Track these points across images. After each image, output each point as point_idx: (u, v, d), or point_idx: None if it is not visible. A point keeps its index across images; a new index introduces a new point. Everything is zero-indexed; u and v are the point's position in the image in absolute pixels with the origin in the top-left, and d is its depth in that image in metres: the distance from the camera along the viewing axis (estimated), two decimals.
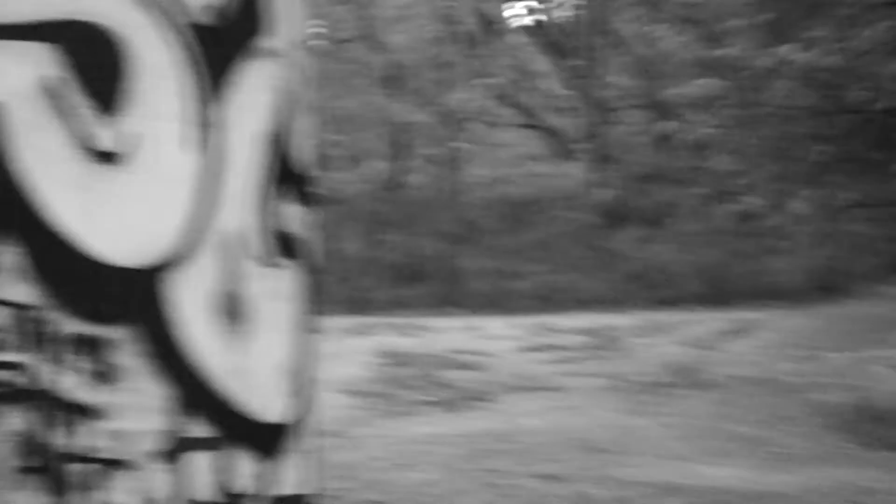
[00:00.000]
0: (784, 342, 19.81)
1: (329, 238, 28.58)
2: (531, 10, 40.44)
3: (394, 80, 33.79)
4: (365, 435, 10.92)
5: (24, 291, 3.04)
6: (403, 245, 31.12)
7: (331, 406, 12.09)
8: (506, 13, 40.89)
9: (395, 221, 31.97)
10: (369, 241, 30.97)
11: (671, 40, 28.28)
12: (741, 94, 20.99)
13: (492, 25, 38.92)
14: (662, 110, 30.47)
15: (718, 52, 21.01)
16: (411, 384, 14.39)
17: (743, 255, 29.79)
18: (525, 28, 40.88)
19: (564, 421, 12.41)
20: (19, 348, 3.04)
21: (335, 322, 20.40)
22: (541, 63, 40.95)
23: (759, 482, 9.38)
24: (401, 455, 9.86)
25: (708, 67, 21.50)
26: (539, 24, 40.35)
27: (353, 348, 17.45)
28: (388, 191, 33.98)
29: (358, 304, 26.06)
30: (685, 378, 15.57)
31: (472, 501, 8.22)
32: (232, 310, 3.43)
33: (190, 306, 3.31)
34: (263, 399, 3.53)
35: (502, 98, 38.65)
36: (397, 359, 16.66)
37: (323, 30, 32.41)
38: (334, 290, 25.97)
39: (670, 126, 25.47)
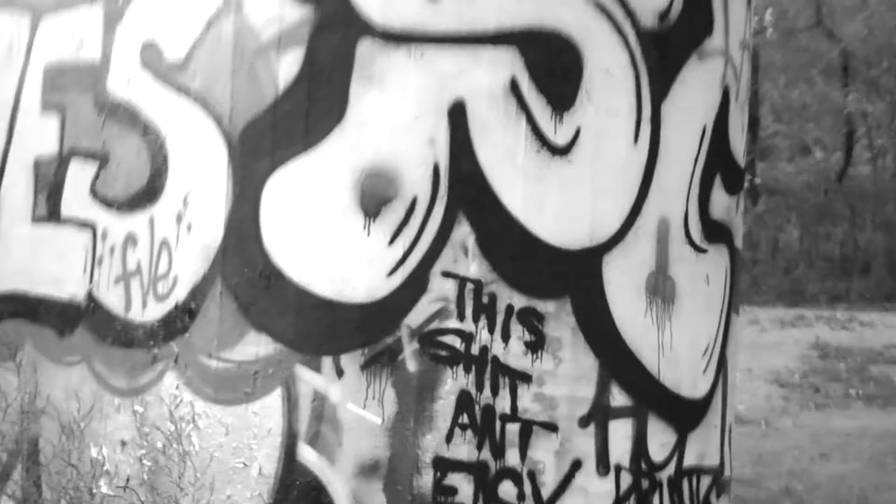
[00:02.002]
0: None
1: (770, 229, 28.03)
2: None
3: (846, 70, 32.59)
4: (789, 425, 10.80)
5: (474, 267, 3.42)
6: (846, 237, 30.07)
7: (760, 395, 12.07)
8: None
9: (839, 213, 30.93)
10: (811, 232, 30.13)
11: None
12: None
13: None
14: None
15: None
16: (842, 378, 13.96)
17: None
18: None
19: None
20: (464, 317, 3.42)
21: (773, 313, 20.07)
22: None
23: None
24: (822, 446, 9.71)
25: None
26: None
27: (789, 340, 17.13)
28: (834, 182, 32.86)
29: (796, 296, 25.47)
30: None
31: (891, 497, 8.01)
32: (661, 290, 3.67)
33: (622, 285, 3.59)
34: (683, 375, 3.76)
35: None
36: (831, 352, 16.20)
37: (772, 19, 31.73)
38: (773, 281, 25.50)
39: None
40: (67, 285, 3.90)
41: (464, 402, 3.41)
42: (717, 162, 3.87)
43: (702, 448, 3.86)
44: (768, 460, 8.93)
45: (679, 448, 3.76)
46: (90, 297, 3.83)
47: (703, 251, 3.81)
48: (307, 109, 3.44)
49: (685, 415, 3.79)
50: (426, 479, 3.40)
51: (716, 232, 3.88)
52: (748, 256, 25.14)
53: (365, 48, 3.41)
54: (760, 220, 28.41)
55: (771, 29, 32.18)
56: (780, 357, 15.04)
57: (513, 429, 3.44)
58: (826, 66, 33.33)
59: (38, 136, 4.03)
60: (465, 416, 3.41)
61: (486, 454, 3.43)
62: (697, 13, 3.77)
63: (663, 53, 3.65)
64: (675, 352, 3.71)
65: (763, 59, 30.40)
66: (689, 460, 3.80)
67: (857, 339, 18.23)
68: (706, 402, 3.89)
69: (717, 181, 3.88)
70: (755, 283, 24.79)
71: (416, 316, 3.39)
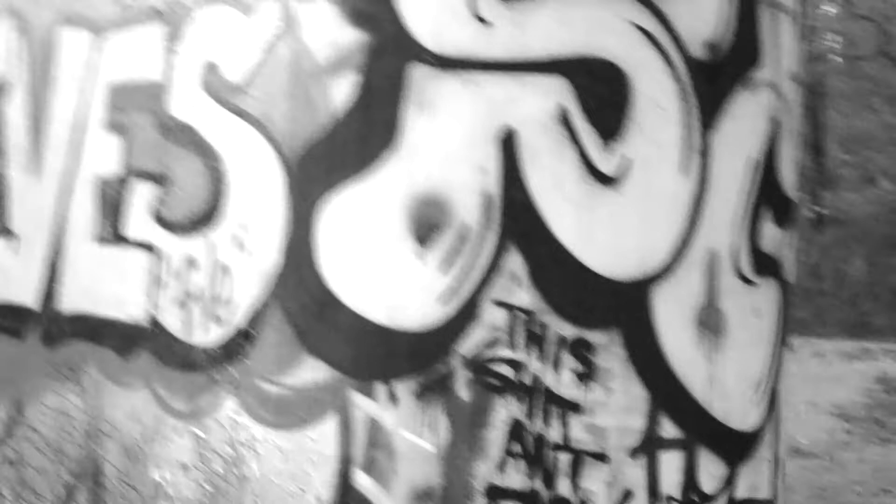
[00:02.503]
0: None
1: (832, 260, 27.71)
2: None
3: None
4: (850, 459, 10.74)
5: (526, 297, 3.45)
6: None
7: (823, 429, 11.97)
8: None
9: None
10: (877, 264, 29.70)
11: None
12: None
13: None
14: None
15: None
16: None
17: None
18: None
19: None
20: (516, 346, 3.45)
21: (838, 345, 19.85)
22: None
23: None
24: (885, 481, 9.65)
25: None
26: None
27: (854, 373, 16.97)
28: None
29: (862, 329, 25.15)
30: None
31: None
32: (710, 322, 3.68)
33: (672, 317, 3.61)
34: (733, 407, 3.77)
35: None
36: (895, 386, 16.05)
37: (838, 46, 31.41)
38: (839, 313, 25.21)
39: None
40: (129, 307, 3.96)
41: (515, 430, 3.44)
42: (767, 194, 3.88)
43: (753, 480, 3.86)
44: (830, 494, 8.90)
45: (730, 480, 3.76)
46: (151, 319, 3.88)
47: (753, 284, 3.82)
48: (362, 135, 3.48)
49: (736, 447, 3.80)
50: None
51: (766, 265, 3.89)
52: (813, 287, 24.87)
53: (418, 74, 3.46)
54: (825, 251, 28.08)
55: (837, 56, 31.86)
56: (845, 390, 14.91)
57: (564, 458, 3.47)
58: (892, 95, 32.92)
59: (103, 156, 4.09)
60: (517, 444, 3.44)
61: (537, 483, 3.45)
62: (747, 44, 3.79)
63: (712, 84, 3.68)
64: (726, 384, 3.72)
65: (829, 87, 30.10)
66: (741, 492, 3.81)
67: None
68: (757, 434, 3.89)
69: (767, 214, 3.89)
70: (820, 315, 24.48)
71: (469, 344, 3.42)
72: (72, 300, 4.23)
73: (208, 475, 3.67)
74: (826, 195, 30.10)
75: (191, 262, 3.77)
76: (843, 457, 10.83)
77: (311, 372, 3.50)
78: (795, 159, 4.14)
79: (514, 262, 3.44)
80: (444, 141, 3.44)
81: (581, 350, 3.47)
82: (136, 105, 3.98)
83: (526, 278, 3.44)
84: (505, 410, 3.43)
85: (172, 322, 3.82)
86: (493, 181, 3.43)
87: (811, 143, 29.38)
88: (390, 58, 3.48)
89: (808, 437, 10.98)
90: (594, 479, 3.49)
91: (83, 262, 4.19)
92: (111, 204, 4.07)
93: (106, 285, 4.08)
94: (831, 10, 30.28)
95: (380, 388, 3.44)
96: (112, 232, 4.07)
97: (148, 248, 3.91)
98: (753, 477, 3.86)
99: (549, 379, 3.45)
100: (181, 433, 3.77)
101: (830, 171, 31.13)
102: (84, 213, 4.18)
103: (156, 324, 3.87)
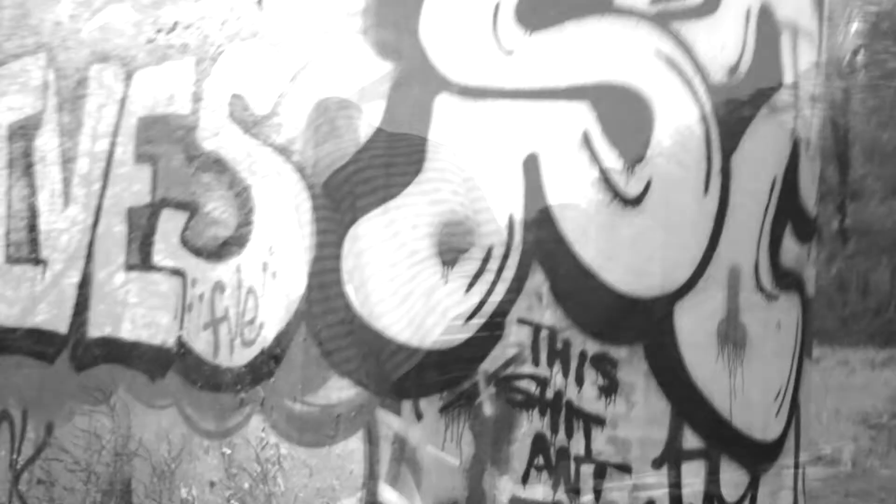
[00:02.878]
0: None
1: (858, 270, 27.57)
2: None
3: None
4: (877, 466, 10.70)
5: (549, 315, 3.50)
6: None
7: (847, 436, 11.93)
8: None
9: None
10: None
11: None
12: None
13: None
14: None
15: None
16: None
17: None
18: None
19: None
20: (539, 363, 3.50)
21: (863, 354, 19.73)
22: None
23: None
24: None
25: None
26: None
27: (879, 381, 16.84)
28: None
29: (888, 337, 24.96)
30: None
31: None
32: (732, 336, 3.73)
33: (694, 331, 3.65)
34: (754, 417, 3.82)
35: None
36: None
37: (863, 62, 31.23)
38: (863, 322, 25.07)
39: None
40: (158, 331, 4.02)
41: (539, 444, 3.49)
42: (788, 211, 3.93)
43: (774, 489, 3.90)
44: (855, 502, 8.88)
45: (751, 489, 3.80)
46: (180, 342, 3.95)
47: (775, 298, 3.86)
48: (387, 162, 3.55)
49: (757, 457, 3.85)
50: None
51: (787, 279, 3.93)
52: (838, 297, 24.74)
53: (442, 103, 3.52)
54: (851, 262, 27.92)
55: (862, 72, 31.68)
56: (870, 398, 14.81)
57: (587, 470, 3.52)
58: None
59: (132, 186, 4.17)
60: (541, 457, 3.49)
61: (560, 495, 3.50)
62: (766, 68, 3.84)
63: (733, 107, 3.73)
64: (747, 396, 3.76)
65: (854, 101, 30.00)
66: (762, 501, 3.85)
67: None
68: (778, 444, 3.94)
69: (788, 230, 3.94)
70: (845, 325, 24.32)
71: (493, 361, 3.48)
72: (103, 325, 4.29)
73: (236, 491, 3.73)
74: (851, 207, 29.95)
75: (219, 287, 3.83)
76: (868, 463, 10.81)
77: (338, 390, 3.56)
78: (816, 176, 4.18)
79: (538, 281, 3.49)
80: (469, 166, 3.50)
81: (604, 365, 3.52)
82: (166, 136, 4.06)
83: (549, 297, 3.49)
84: (528, 424, 3.48)
85: (201, 345, 3.89)
86: (516, 204, 3.49)
87: (837, 156, 29.27)
88: (415, 87, 3.55)
89: (832, 445, 10.94)
90: (618, 490, 3.53)
91: (114, 288, 4.24)
92: (142, 232, 4.13)
93: (136, 310, 4.14)
94: (856, 26, 30.17)
95: (405, 405, 3.50)
96: (142, 259, 4.13)
97: (177, 273, 3.97)
98: (775, 485, 3.90)
99: (573, 393, 3.50)
100: (209, 451, 3.83)
101: (856, 184, 30.97)
102: (115, 241, 4.24)
103: (184, 346, 3.93)
